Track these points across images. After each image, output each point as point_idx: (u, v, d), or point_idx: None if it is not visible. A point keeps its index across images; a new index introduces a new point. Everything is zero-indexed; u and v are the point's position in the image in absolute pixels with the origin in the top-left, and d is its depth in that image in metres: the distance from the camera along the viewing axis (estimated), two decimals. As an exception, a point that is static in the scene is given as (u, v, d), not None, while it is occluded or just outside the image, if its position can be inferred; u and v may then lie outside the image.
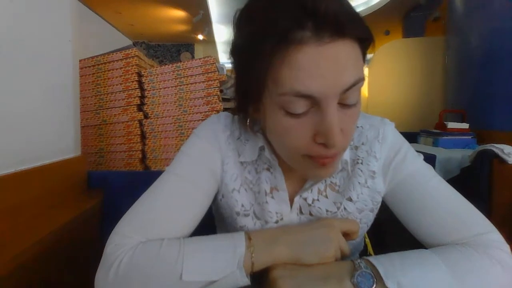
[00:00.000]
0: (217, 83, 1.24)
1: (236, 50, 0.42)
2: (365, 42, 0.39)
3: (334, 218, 0.50)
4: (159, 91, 1.24)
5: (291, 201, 0.50)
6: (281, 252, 0.42)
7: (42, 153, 0.78)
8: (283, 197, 0.50)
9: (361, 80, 0.37)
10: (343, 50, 0.35)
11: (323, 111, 0.36)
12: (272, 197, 0.50)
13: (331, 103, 0.36)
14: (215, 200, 0.53)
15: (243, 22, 0.40)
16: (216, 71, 1.24)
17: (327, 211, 0.50)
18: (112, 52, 1.22)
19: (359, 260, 0.41)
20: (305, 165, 0.41)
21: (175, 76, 1.24)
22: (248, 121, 0.46)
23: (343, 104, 0.38)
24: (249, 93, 0.41)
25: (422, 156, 0.52)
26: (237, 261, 0.39)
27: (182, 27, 7.01)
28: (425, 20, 4.00)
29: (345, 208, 0.50)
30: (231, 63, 0.43)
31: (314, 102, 0.36)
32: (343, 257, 0.44)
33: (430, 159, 1.45)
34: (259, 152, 0.49)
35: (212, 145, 0.51)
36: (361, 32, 0.37)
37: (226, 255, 0.40)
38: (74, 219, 0.74)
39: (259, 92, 0.39)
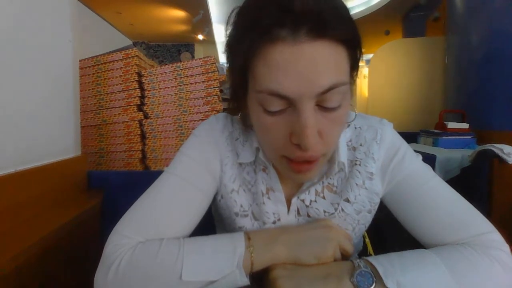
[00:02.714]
0: (217, 83, 1.24)
1: (225, 47, 0.43)
2: (350, 44, 0.37)
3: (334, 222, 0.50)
4: (159, 91, 1.24)
5: (289, 202, 0.50)
6: (280, 252, 0.42)
7: (42, 153, 0.78)
8: (279, 197, 0.50)
9: (342, 84, 0.36)
10: (321, 51, 0.34)
11: (298, 112, 0.36)
12: (269, 198, 0.50)
13: (306, 105, 0.35)
14: (214, 200, 0.53)
15: (232, 20, 0.41)
16: (216, 71, 1.24)
17: (324, 212, 0.50)
18: (112, 52, 1.22)
19: (358, 260, 0.41)
20: (284, 167, 0.42)
21: (175, 76, 1.24)
22: (239, 115, 0.48)
23: (322, 107, 0.37)
24: (236, 89, 0.43)
25: (420, 157, 0.51)
26: (237, 261, 0.39)
27: (182, 27, 7.00)
28: (425, 20, 3.99)
29: (342, 209, 0.50)
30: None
31: (290, 102, 0.36)
32: (347, 256, 0.44)
33: (430, 159, 1.45)
34: (256, 153, 0.49)
35: (211, 146, 0.51)
36: (344, 33, 0.36)
37: (226, 255, 0.40)
38: (74, 219, 0.74)
39: (241, 88, 0.40)
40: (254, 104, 0.39)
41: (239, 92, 0.43)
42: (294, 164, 0.40)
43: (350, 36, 0.37)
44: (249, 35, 0.36)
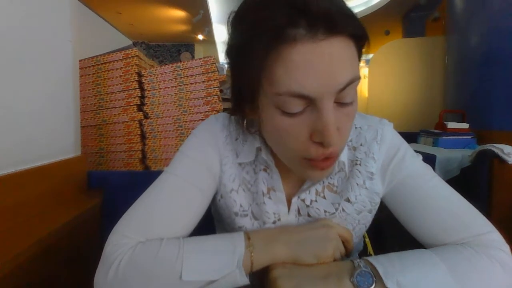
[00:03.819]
0: (217, 83, 1.24)
1: (230, 50, 0.41)
2: (359, 40, 0.38)
3: (334, 220, 0.50)
4: (159, 91, 1.24)
5: (289, 202, 0.50)
6: (280, 252, 0.42)
7: (42, 153, 0.78)
8: (280, 197, 0.50)
9: (356, 78, 0.37)
10: (337, 48, 0.35)
11: (319, 110, 0.36)
12: (270, 198, 0.50)
13: (327, 102, 0.36)
14: (214, 200, 0.53)
15: (237, 22, 0.40)
16: (216, 71, 1.24)
17: (325, 212, 0.50)
18: (112, 52, 1.22)
19: (358, 260, 0.41)
20: (303, 167, 0.41)
21: (175, 76, 1.24)
22: (245, 122, 0.46)
23: (339, 103, 0.37)
24: (245, 93, 0.41)
25: (420, 156, 0.51)
26: (237, 260, 0.39)
27: (182, 27, 7.01)
28: (425, 20, 3.99)
29: (343, 209, 0.50)
30: (227, 63, 0.43)
31: (310, 101, 0.36)
32: (347, 253, 0.45)
33: (430, 159, 1.45)
34: (256, 152, 0.49)
35: (210, 145, 0.51)
36: (354, 29, 0.36)
37: (226, 255, 0.40)
38: (74, 219, 0.74)
39: (254, 92, 0.39)
40: (269, 108, 0.38)
41: (248, 98, 0.41)
42: (316, 163, 0.39)
43: (359, 31, 0.37)
44: (261, 37, 0.35)
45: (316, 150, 0.38)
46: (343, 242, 0.46)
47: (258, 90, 0.38)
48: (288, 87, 0.35)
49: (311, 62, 0.34)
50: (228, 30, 0.42)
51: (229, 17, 0.41)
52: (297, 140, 0.38)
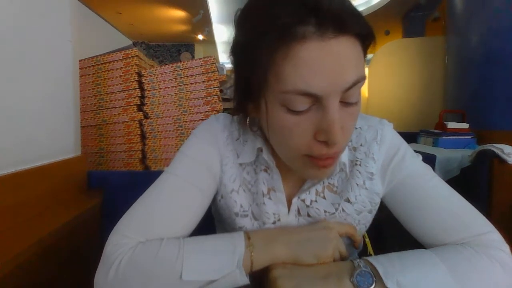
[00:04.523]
0: (217, 83, 1.24)
1: (237, 48, 0.41)
2: (366, 40, 0.38)
3: (333, 220, 0.50)
4: (159, 91, 1.24)
5: (289, 202, 0.50)
6: (280, 252, 0.42)
7: (42, 153, 0.78)
8: (280, 198, 0.50)
9: (362, 78, 0.37)
10: (345, 47, 0.35)
11: (325, 109, 0.36)
12: (270, 198, 0.50)
13: (333, 101, 0.36)
14: (214, 200, 0.53)
15: (245, 20, 0.40)
16: (216, 71, 1.24)
17: (325, 212, 0.50)
18: (112, 52, 1.22)
19: (358, 260, 0.41)
20: (305, 165, 0.41)
21: (175, 76, 1.24)
22: (247, 120, 0.46)
23: (344, 103, 0.37)
24: (250, 91, 0.40)
25: (420, 157, 0.51)
26: (237, 260, 0.39)
27: (182, 27, 7.01)
28: (425, 20, 4.00)
29: (343, 210, 0.50)
30: (231, 62, 0.43)
31: (316, 99, 0.36)
32: (341, 259, 0.45)
33: (430, 159, 1.45)
34: (257, 153, 0.49)
35: (211, 145, 0.51)
36: (362, 29, 0.37)
37: (226, 255, 0.40)
38: (74, 219, 0.74)
39: (260, 89, 0.39)
40: (274, 106, 0.38)
41: (252, 96, 0.41)
42: (318, 161, 0.40)
43: (366, 31, 0.37)
44: (270, 34, 0.35)
45: (320, 149, 0.38)
46: (349, 237, 0.46)
47: (264, 87, 0.38)
48: (295, 84, 0.35)
49: (319, 60, 0.34)
50: (234, 27, 0.41)
51: (235, 14, 0.41)
52: (301, 139, 0.38)
